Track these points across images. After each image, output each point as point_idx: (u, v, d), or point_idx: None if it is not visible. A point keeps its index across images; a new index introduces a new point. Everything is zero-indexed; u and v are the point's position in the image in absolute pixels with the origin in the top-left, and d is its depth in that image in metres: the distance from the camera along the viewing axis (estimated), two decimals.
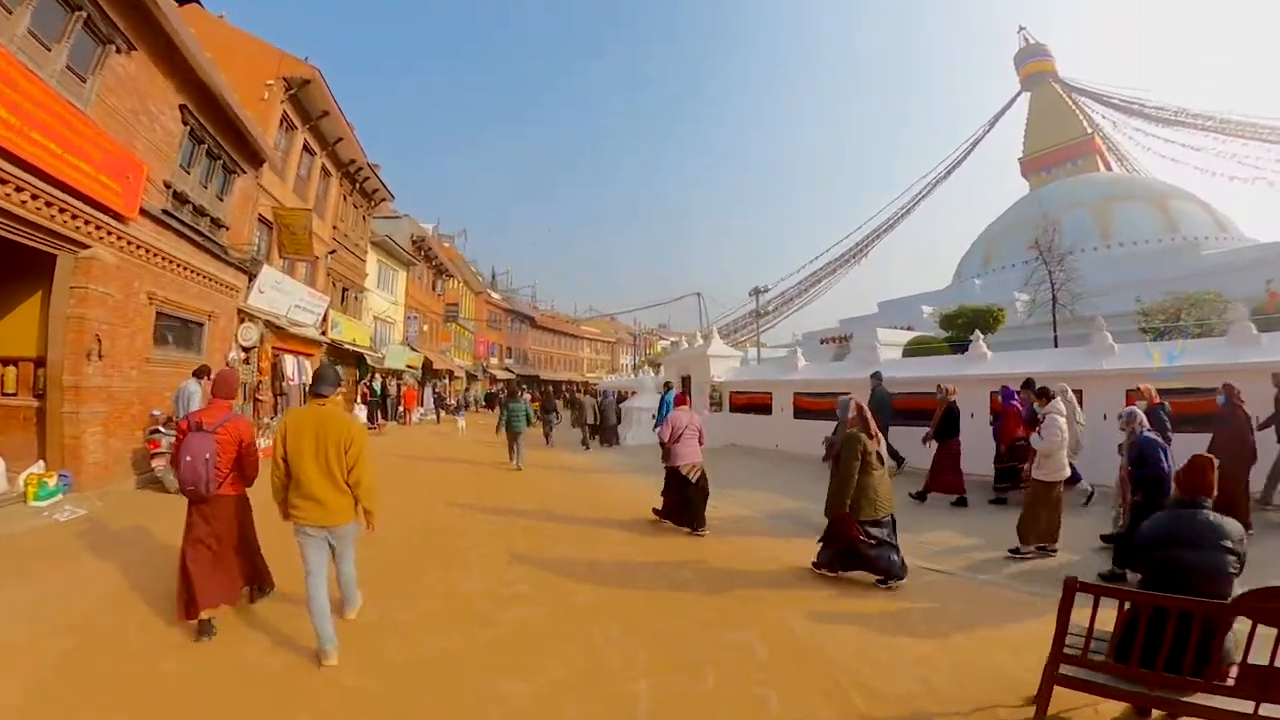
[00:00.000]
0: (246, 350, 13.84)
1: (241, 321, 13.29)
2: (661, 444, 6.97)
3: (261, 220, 14.60)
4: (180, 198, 11.21)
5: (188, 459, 3.72)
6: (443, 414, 25.85)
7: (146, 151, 10.18)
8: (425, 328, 30.93)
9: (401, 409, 23.38)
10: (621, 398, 24.38)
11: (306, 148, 17.63)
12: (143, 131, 10.16)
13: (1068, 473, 5.62)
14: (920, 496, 7.96)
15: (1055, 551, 5.56)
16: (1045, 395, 6.01)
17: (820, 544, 5.15)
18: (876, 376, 10.41)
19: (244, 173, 13.63)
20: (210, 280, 12.18)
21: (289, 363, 15.74)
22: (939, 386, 8.36)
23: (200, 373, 8.83)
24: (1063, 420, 5.47)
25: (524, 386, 31.94)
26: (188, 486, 3.76)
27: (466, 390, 39.98)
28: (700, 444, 6.84)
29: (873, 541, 4.74)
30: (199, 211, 11.87)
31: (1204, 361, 7.98)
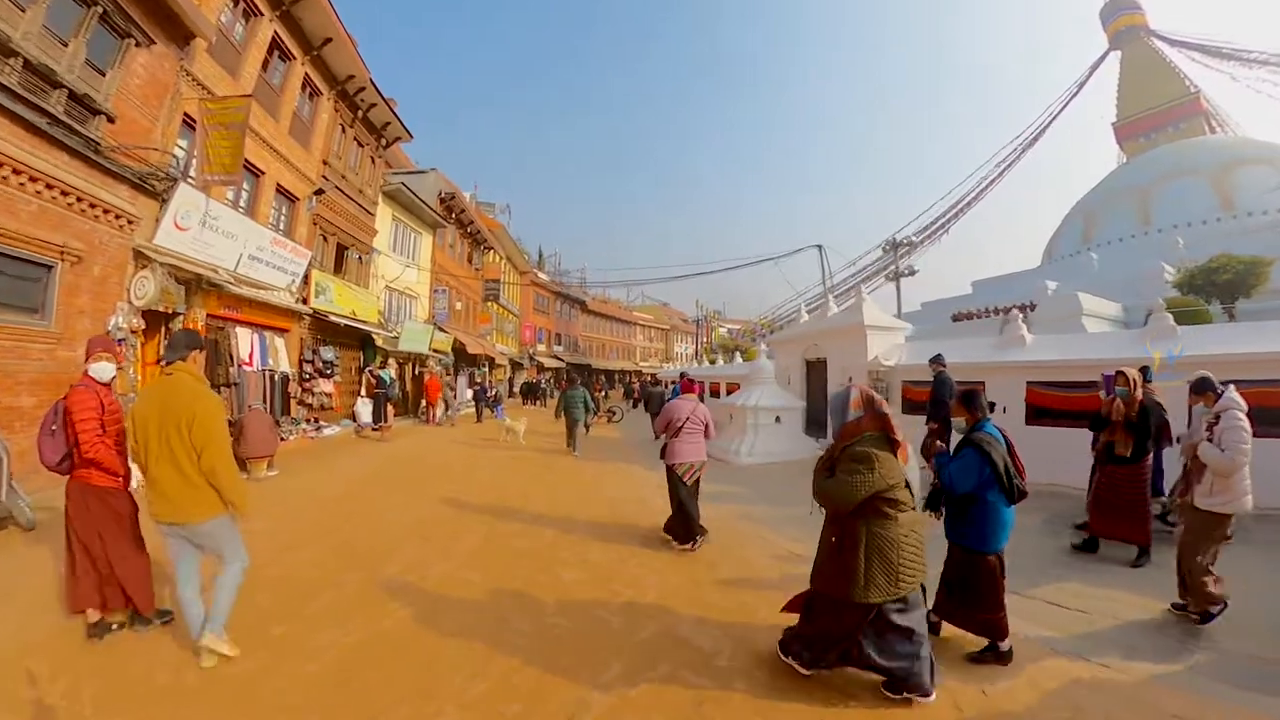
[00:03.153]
0: (163, 315, 9.25)
1: (140, 269, 8.64)
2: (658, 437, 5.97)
3: (190, 124, 9.96)
4: None
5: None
6: (483, 410, 21.21)
7: None
8: (459, 306, 26.43)
9: (424, 404, 18.78)
10: (710, 391, 19.56)
11: (279, 47, 13.00)
12: None
13: (1250, 503, 3.77)
14: (1089, 545, 5.36)
15: (1214, 614, 3.73)
16: (1206, 389, 4.14)
17: (797, 627, 3.19)
18: (938, 359, 8.50)
19: (151, 44, 8.98)
20: (71, 195, 7.53)
21: (243, 339, 11.14)
22: (1119, 373, 5.42)
23: None
24: (1247, 424, 3.76)
25: (576, 377, 27.16)
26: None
27: (509, 379, 35.55)
28: (707, 438, 5.73)
29: (892, 629, 2.84)
30: (42, 76, 7.24)
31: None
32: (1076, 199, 43.83)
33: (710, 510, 6.83)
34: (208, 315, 10.19)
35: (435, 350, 21.45)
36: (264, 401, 11.83)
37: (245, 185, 12.04)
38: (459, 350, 24.43)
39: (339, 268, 15.98)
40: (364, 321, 16.00)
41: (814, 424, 12.41)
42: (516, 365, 37.83)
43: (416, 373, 20.47)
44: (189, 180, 9.80)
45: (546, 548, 5.30)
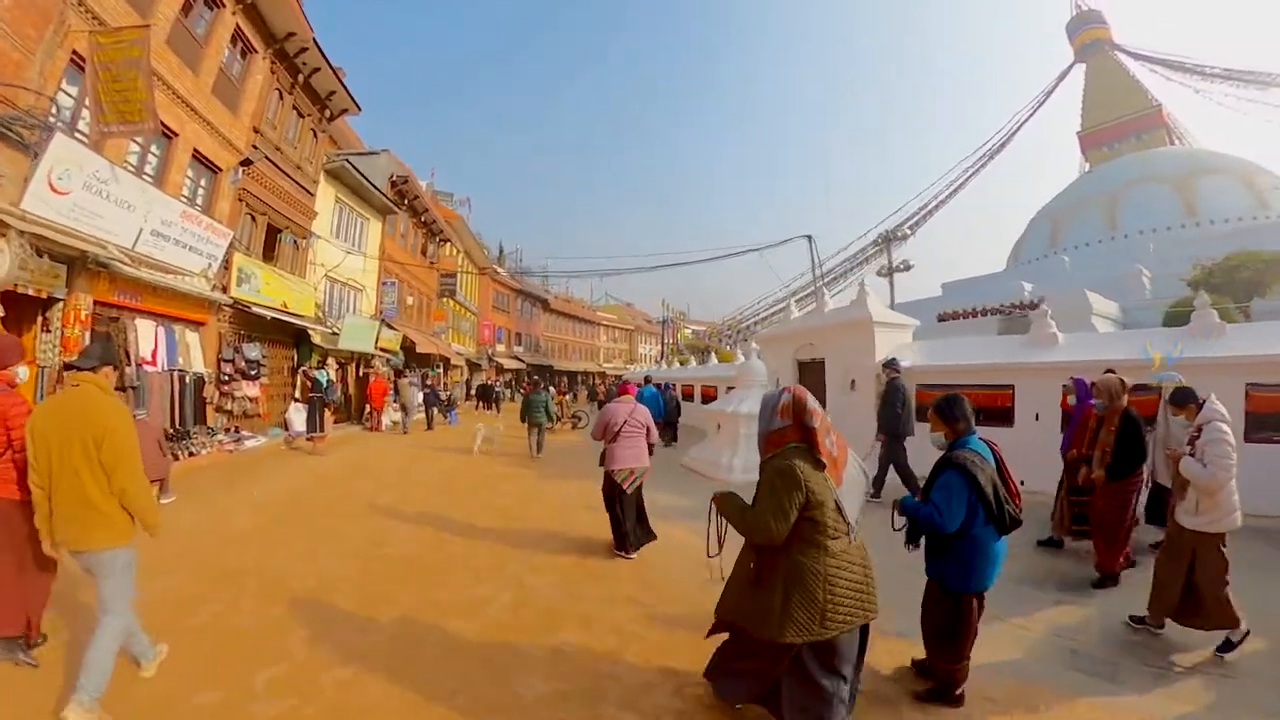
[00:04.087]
0: (36, 302, 7.58)
1: None
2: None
3: (79, 65, 8.28)
4: None
5: None
6: (435, 413, 19.55)
7: None
8: (410, 301, 24.64)
9: (368, 409, 17.08)
10: (681, 395, 18.72)
11: None
12: None
13: (1239, 519, 3.56)
14: (1100, 584, 4.65)
15: (1236, 643, 3.43)
16: (1188, 402, 3.92)
17: (715, 659, 2.94)
18: (892, 364, 7.88)
19: None
20: None
21: (144, 333, 9.46)
22: (1094, 385, 5.16)
23: None
24: (1231, 437, 3.54)
25: (539, 380, 25.74)
26: None
27: (467, 381, 33.70)
28: (649, 440, 5.64)
29: (813, 679, 2.50)
30: None
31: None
32: (1031, 205, 46.00)
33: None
34: (96, 302, 8.48)
35: (383, 349, 19.72)
36: (172, 408, 10.17)
37: (154, 149, 10.33)
38: (409, 349, 22.70)
39: (270, 253, 14.22)
40: (298, 315, 14.26)
41: None
42: (474, 366, 36.04)
43: (361, 374, 18.72)
44: (78, 135, 8.16)
45: (499, 626, 3.89)
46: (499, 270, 45.01)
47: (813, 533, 2.47)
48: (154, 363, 9.63)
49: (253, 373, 12.37)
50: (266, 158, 13.49)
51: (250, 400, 12.33)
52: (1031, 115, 57.85)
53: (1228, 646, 3.47)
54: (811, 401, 2.65)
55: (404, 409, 17.50)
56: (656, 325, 70.17)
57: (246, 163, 12.50)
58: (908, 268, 16.94)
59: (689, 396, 21.06)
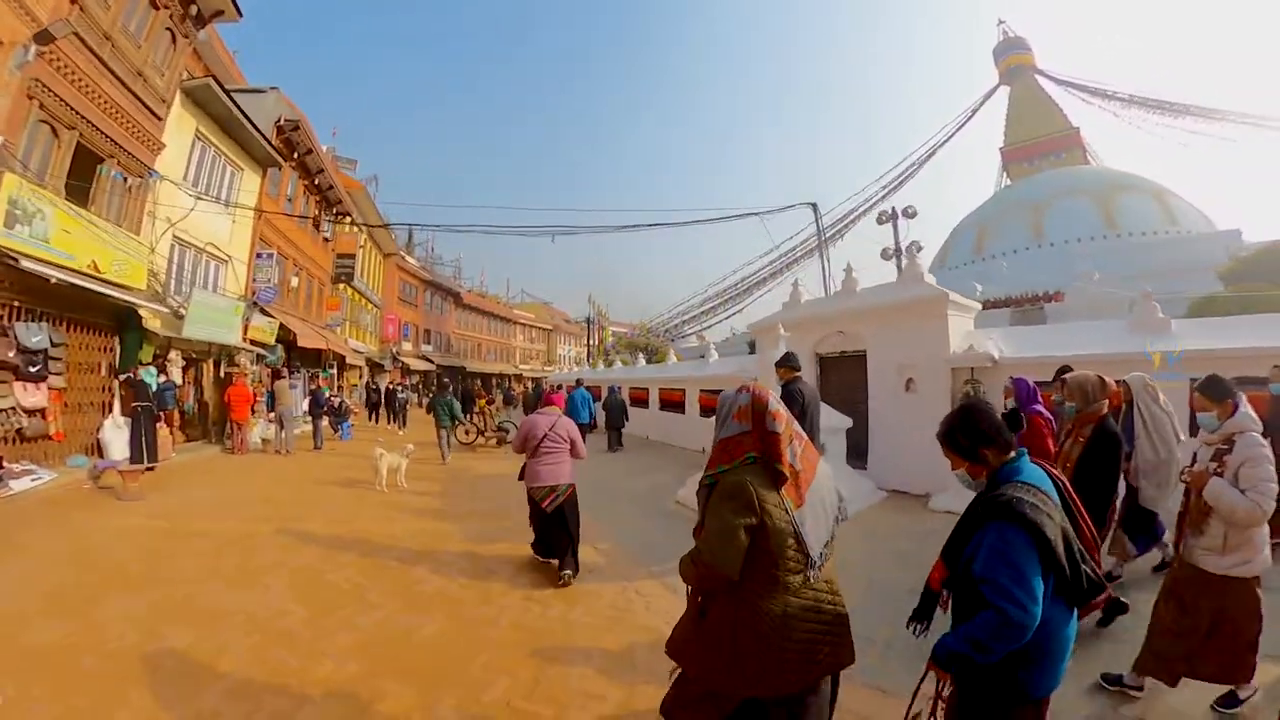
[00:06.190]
0: None
1: None
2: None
3: None
4: None
5: None
6: (323, 426, 15.33)
7: None
8: (295, 281, 20.18)
9: (229, 423, 12.93)
10: (630, 399, 17.64)
11: None
12: None
13: (1269, 557, 2.91)
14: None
15: (1243, 700, 2.89)
16: (1224, 394, 3.04)
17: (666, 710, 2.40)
18: (788, 361, 6.09)
19: None
20: None
21: None
22: (1072, 381, 4.12)
23: None
24: (1270, 452, 2.83)
25: (448, 383, 21.63)
26: None
27: (367, 384, 28.55)
28: (575, 456, 5.32)
29: None
30: None
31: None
32: (938, 217, 49.16)
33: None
34: None
35: (254, 342, 15.47)
36: None
37: None
38: (289, 342, 18.31)
39: (79, 187, 9.91)
40: (119, 284, 9.98)
41: (853, 452, 8.94)
42: (376, 366, 31.35)
43: (223, 374, 14.42)
44: None
45: None
46: (407, 258, 40.31)
47: (768, 565, 2.01)
48: None
49: (35, 369, 8.22)
50: (86, 45, 9.33)
51: (29, 414, 8.18)
52: (959, 129, 62.35)
53: (1233, 701, 2.96)
54: (774, 402, 2.21)
55: (280, 422, 13.31)
56: (576, 325, 67.76)
57: (46, 39, 8.35)
58: (919, 249, 15.06)
59: (641, 401, 18.06)
